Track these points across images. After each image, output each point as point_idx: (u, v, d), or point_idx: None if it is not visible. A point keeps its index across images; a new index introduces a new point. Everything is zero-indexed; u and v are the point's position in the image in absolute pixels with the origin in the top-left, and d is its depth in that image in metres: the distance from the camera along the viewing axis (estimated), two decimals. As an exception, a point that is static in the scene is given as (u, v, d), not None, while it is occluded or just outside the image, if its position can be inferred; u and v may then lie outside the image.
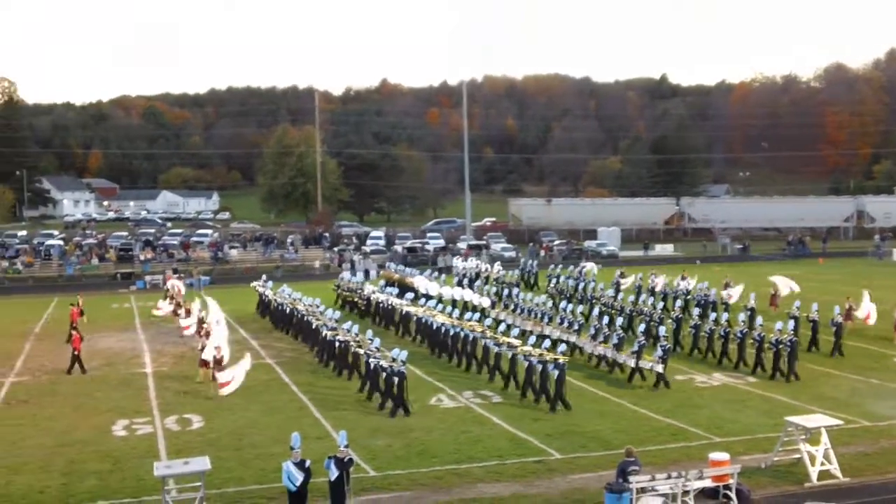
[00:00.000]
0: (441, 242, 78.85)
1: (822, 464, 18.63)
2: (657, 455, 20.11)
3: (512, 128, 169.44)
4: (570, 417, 23.71)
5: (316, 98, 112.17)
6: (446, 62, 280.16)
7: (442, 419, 23.68)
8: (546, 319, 33.62)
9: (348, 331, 29.16)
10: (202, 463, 16.48)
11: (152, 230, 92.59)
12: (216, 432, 22.64)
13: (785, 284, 41.81)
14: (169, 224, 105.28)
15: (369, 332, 28.57)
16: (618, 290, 42.71)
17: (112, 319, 43.18)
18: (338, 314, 33.18)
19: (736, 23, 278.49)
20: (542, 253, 74.75)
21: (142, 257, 68.32)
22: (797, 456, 19.02)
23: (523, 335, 32.48)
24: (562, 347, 26.37)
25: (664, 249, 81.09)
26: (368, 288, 41.89)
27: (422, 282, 43.55)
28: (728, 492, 17.41)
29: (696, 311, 33.90)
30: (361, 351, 27.06)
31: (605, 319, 31.91)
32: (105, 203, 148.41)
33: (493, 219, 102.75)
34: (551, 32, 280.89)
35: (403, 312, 36.41)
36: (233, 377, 25.53)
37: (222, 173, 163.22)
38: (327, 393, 26.79)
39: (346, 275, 46.51)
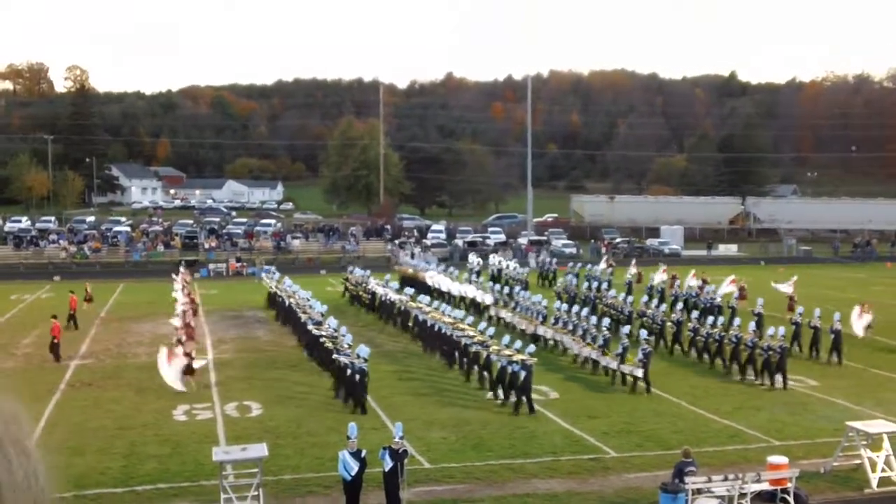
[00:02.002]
0: (502, 237, 78.72)
1: (884, 470, 18.20)
2: (714, 456, 19.84)
3: (576, 124, 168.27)
4: (626, 416, 23.50)
5: (381, 91, 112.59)
6: (512, 56, 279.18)
7: (498, 413, 23.66)
8: (541, 318, 33.29)
9: (330, 327, 28.69)
10: (260, 450, 16.72)
11: (217, 219, 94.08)
12: (275, 420, 22.95)
13: (788, 287, 40.53)
14: (233, 213, 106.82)
15: (343, 329, 27.97)
16: (630, 292, 41.76)
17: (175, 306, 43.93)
18: (324, 308, 32.81)
19: (809, 20, 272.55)
20: (604, 250, 74.11)
21: (206, 245, 69.54)
22: (858, 462, 18.60)
23: (522, 333, 32.88)
24: (531, 348, 25.63)
25: (728, 249, 79.77)
26: (373, 282, 41.82)
27: (434, 277, 43.92)
28: (786, 496, 17.11)
29: (694, 315, 32.89)
30: (332, 347, 26.72)
31: (594, 320, 30.91)
32: (172, 191, 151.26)
33: (555, 215, 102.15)
34: (619, 28, 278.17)
35: (403, 308, 36.13)
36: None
37: (287, 164, 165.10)
38: (384, 384, 26.96)
39: (355, 269, 46.32)
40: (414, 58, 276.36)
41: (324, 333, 28.20)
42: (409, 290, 37.65)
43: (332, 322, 29.25)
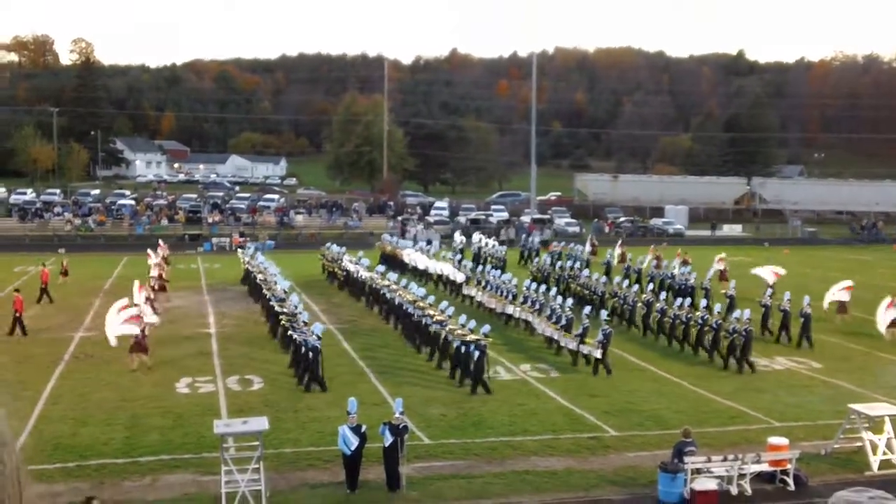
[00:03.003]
0: (505, 215, 78.64)
1: (885, 453, 18.22)
2: (715, 437, 19.87)
3: (581, 102, 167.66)
4: (628, 395, 23.53)
5: (385, 67, 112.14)
6: (517, 33, 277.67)
7: (498, 391, 23.69)
8: (510, 297, 33.06)
9: (293, 304, 28.22)
10: (261, 423, 16.76)
11: (221, 193, 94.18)
12: (276, 394, 23.02)
13: (769, 273, 40.08)
14: (237, 188, 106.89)
15: (300, 307, 27.50)
16: (608, 272, 41.41)
17: (178, 280, 44.06)
18: (288, 284, 32.42)
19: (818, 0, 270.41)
20: (607, 229, 74.02)
21: (210, 220, 69.58)
22: (859, 444, 18.61)
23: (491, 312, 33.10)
24: (485, 328, 25.23)
25: (732, 230, 79.66)
26: (346, 259, 41.67)
27: (411, 254, 44.05)
28: (785, 477, 17.15)
29: (662, 295, 32.73)
30: (287, 324, 26.53)
31: (559, 299, 30.32)
32: (176, 165, 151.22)
33: (559, 193, 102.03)
34: (626, 5, 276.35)
35: (372, 286, 35.74)
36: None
37: (290, 139, 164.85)
38: (385, 360, 27.01)
39: (331, 245, 46.23)
40: (419, 34, 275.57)
41: (284, 310, 27.88)
42: (381, 268, 37.18)
43: (293, 299, 28.82)
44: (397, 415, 17.15)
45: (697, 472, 16.57)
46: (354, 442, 16.46)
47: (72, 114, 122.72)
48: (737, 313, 27.76)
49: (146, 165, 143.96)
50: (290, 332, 25.61)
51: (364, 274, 37.56)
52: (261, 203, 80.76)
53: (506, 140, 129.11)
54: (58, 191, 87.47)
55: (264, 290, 32.93)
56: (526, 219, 75.00)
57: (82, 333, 30.66)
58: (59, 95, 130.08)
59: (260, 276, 35.55)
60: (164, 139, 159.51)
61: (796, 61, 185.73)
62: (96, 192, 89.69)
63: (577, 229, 71.36)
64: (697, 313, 29.02)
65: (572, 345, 26.93)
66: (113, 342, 25.91)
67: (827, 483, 17.21)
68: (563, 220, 76.39)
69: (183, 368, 25.55)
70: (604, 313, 28.60)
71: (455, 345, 24.59)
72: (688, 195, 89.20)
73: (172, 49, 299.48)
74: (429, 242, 56.11)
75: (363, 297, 36.97)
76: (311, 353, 23.44)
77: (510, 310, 32.38)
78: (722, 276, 41.94)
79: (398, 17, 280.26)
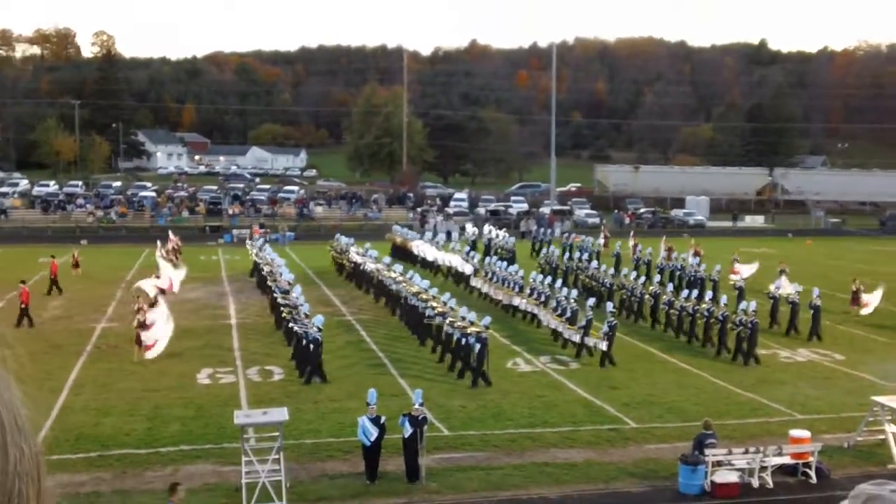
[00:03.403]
0: (525, 206, 78.41)
1: (909, 446, 18.07)
2: (736, 429, 19.76)
3: (601, 92, 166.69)
4: (648, 388, 23.44)
5: (404, 58, 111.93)
6: (537, 23, 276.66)
7: (518, 383, 23.67)
8: (517, 289, 32.92)
9: (295, 296, 28.21)
10: (281, 414, 16.83)
11: (241, 185, 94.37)
12: (296, 385, 23.10)
13: (748, 269, 39.56)
14: (257, 179, 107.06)
15: (301, 298, 27.43)
16: (617, 264, 41.03)
17: (200, 271, 44.25)
18: (292, 277, 32.45)
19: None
20: (627, 220, 73.67)
21: (230, 211, 69.82)
22: (882, 437, 18.46)
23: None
24: (486, 320, 25.09)
25: (754, 221, 79.07)
26: (353, 250, 41.60)
27: (420, 246, 43.91)
28: (807, 469, 17.04)
29: (670, 287, 32.55)
30: (288, 316, 26.52)
31: (564, 291, 30.14)
32: (196, 157, 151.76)
33: (579, 184, 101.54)
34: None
35: (378, 278, 35.61)
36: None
37: (310, 131, 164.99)
38: (405, 352, 27.03)
39: (340, 236, 46.19)
40: (438, 25, 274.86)
41: (287, 302, 27.87)
42: (387, 259, 37.07)
43: (297, 291, 28.78)
44: (417, 406, 17.17)
45: (718, 464, 16.50)
46: (374, 433, 16.49)
47: (93, 106, 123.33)
48: (743, 305, 27.52)
49: (167, 157, 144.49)
50: (290, 325, 25.61)
51: (370, 265, 37.57)
52: (281, 195, 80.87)
53: (525, 131, 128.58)
54: (80, 183, 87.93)
55: (268, 282, 33.01)
56: (546, 210, 74.73)
57: (104, 324, 30.87)
58: (80, 88, 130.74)
59: (266, 269, 35.60)
60: (184, 131, 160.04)
61: (819, 51, 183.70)
62: (118, 184, 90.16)
63: (597, 220, 71.02)
64: (703, 305, 28.80)
65: (576, 337, 26.83)
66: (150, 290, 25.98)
67: (849, 476, 17.08)
68: (583, 212, 76.07)
69: (204, 359, 25.69)
70: (609, 305, 28.44)
71: (455, 337, 24.55)
72: (709, 186, 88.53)
73: (193, 41, 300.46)
74: (448, 234, 56.13)
75: (370, 288, 36.95)
76: (311, 346, 23.42)
77: (516, 301, 32.28)
78: (732, 270, 41.43)
79: (417, 9, 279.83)
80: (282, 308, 28.16)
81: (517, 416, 20.65)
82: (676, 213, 78.48)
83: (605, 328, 25.72)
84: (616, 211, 78.77)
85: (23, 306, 30.02)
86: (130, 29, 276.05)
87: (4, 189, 79.59)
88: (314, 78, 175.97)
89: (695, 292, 30.72)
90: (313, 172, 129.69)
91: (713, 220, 77.80)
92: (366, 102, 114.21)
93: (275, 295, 30.29)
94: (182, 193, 79.08)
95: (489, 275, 35.74)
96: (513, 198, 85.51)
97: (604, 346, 25.59)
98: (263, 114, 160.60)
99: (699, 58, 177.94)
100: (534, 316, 31.04)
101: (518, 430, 19.71)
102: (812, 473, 16.96)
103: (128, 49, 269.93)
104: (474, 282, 36.88)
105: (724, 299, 28.97)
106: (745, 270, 38.83)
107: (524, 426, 19.96)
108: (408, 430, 16.61)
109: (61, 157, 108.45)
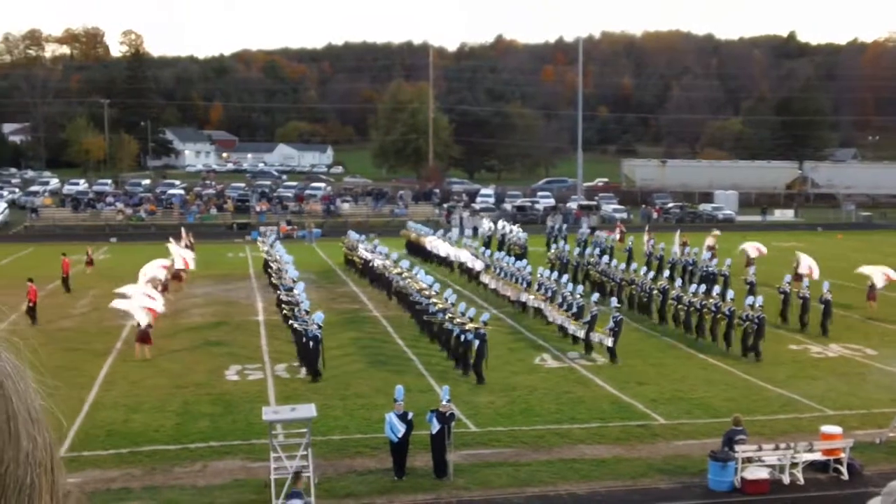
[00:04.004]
0: (551, 202, 78.14)
1: (943, 443, 17.81)
2: (766, 425, 19.59)
3: (628, 86, 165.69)
4: (677, 383, 23.28)
5: (430, 54, 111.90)
6: (563, 18, 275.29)
7: (545, 378, 23.60)
8: (525, 285, 32.69)
9: (299, 293, 28.05)
10: (309, 410, 16.87)
11: (268, 182, 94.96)
12: (323, 381, 23.17)
13: (753, 248, 38.93)
14: (284, 177, 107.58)
15: (303, 296, 27.20)
16: (629, 259, 40.64)
17: (228, 268, 44.55)
18: (297, 274, 32.35)
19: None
20: (655, 215, 73.23)
21: (258, 208, 70.19)
22: (916, 433, 18.22)
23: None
24: (485, 316, 24.90)
25: (784, 215, 78.30)
26: (361, 247, 41.56)
27: (433, 242, 43.85)
28: (839, 466, 16.85)
29: (678, 283, 32.19)
30: (289, 313, 26.47)
31: (570, 287, 29.94)
32: (224, 155, 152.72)
33: (606, 179, 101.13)
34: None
35: (385, 274, 35.53)
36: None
37: (336, 128, 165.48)
38: (432, 348, 27.02)
39: (350, 232, 46.16)
40: (464, 20, 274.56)
41: (289, 299, 27.81)
42: (394, 255, 36.92)
43: (299, 287, 28.68)
44: (444, 402, 17.15)
45: (748, 460, 16.36)
46: (401, 429, 16.50)
47: (122, 105, 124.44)
48: (749, 300, 27.22)
49: (195, 155, 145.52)
50: (290, 322, 25.62)
51: (378, 262, 37.56)
52: (307, 191, 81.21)
53: (552, 126, 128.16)
54: (109, 181, 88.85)
55: (273, 279, 32.91)
56: (572, 205, 74.47)
57: (134, 322, 31.06)
58: (110, 87, 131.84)
59: (275, 265, 35.64)
60: (212, 129, 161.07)
61: (849, 43, 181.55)
62: (147, 181, 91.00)
63: (624, 215, 70.62)
64: (710, 300, 28.41)
65: (581, 332, 26.64)
66: (142, 317, 26.04)
67: (882, 472, 16.86)
68: (610, 207, 75.66)
69: (232, 356, 25.84)
70: (613, 301, 28.18)
71: (455, 333, 24.45)
72: (738, 180, 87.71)
73: (220, 40, 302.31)
74: (475, 230, 56.01)
75: (379, 285, 36.94)
76: (311, 343, 23.40)
77: (524, 298, 32.15)
78: (748, 262, 40.82)
79: (443, 4, 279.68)
80: (283, 305, 28.15)
81: (545, 413, 20.59)
82: (704, 207, 77.89)
83: (611, 324, 25.52)
84: (643, 206, 78.29)
85: (30, 304, 30.07)
86: (158, 28, 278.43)
87: (35, 188, 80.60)
88: (340, 75, 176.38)
89: (703, 287, 30.41)
90: (340, 169, 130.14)
91: (742, 214, 77.09)
92: (392, 99, 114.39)
93: (278, 292, 30.35)
94: (210, 191, 79.65)
95: (498, 271, 35.71)
96: (539, 193, 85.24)
97: (609, 341, 25.41)
98: (290, 111, 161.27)
99: (727, 51, 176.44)
100: (540, 311, 30.97)
101: (546, 426, 19.65)
102: (844, 470, 16.77)
103: (156, 48, 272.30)
104: (484, 278, 36.87)
105: (730, 294, 28.64)
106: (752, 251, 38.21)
107: (552, 422, 19.89)
108: (435, 427, 16.60)
109: (91, 155, 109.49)
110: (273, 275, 34.03)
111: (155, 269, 32.97)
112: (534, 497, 16.00)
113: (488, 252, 40.54)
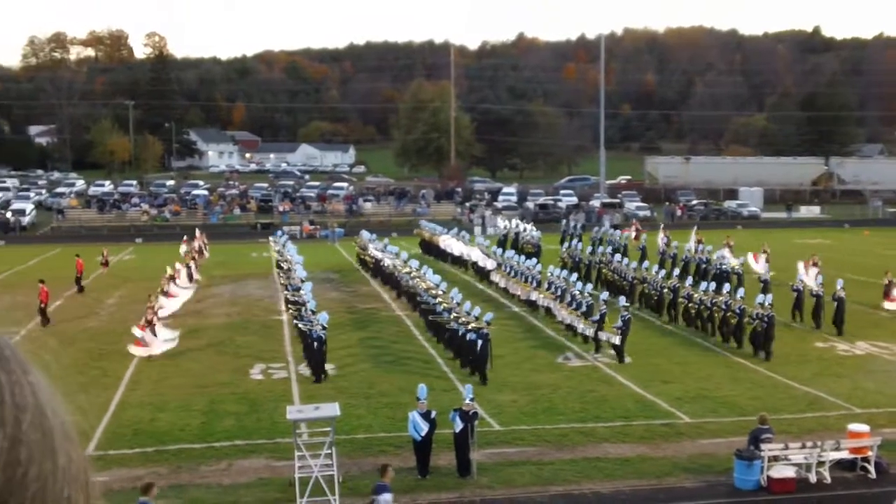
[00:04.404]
0: (574, 200, 77.87)
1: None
2: (792, 424, 19.43)
3: (651, 83, 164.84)
4: (701, 382, 23.14)
5: (451, 53, 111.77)
6: (584, 15, 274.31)
7: (569, 377, 23.54)
8: (535, 284, 32.53)
9: (305, 292, 27.97)
10: (332, 409, 16.91)
11: (291, 182, 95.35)
12: (347, 380, 23.24)
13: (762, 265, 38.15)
14: (307, 177, 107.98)
15: (309, 296, 27.17)
16: (643, 258, 40.20)
17: (251, 268, 44.77)
18: (304, 274, 32.31)
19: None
20: (679, 213, 72.81)
21: (280, 208, 70.50)
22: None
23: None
24: (488, 316, 24.67)
25: (809, 211, 77.56)
26: (371, 246, 41.51)
27: (447, 241, 43.84)
28: (866, 464, 16.68)
29: (688, 281, 31.90)
30: (294, 313, 26.40)
31: (579, 285, 29.64)
32: (247, 155, 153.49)
33: (629, 177, 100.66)
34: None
35: (395, 273, 35.56)
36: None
37: (358, 127, 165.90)
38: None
39: (362, 232, 46.16)
40: (485, 18, 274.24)
41: (296, 299, 27.81)
42: (404, 255, 36.77)
43: (306, 288, 28.65)
44: (467, 401, 17.15)
45: (775, 459, 16.24)
46: (424, 428, 16.51)
47: (147, 106, 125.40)
48: (759, 298, 26.93)
49: (219, 156, 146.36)
50: (295, 322, 25.55)
51: (388, 261, 37.56)
52: (330, 191, 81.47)
53: (574, 124, 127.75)
54: (134, 182, 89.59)
55: (280, 280, 33.09)
56: (595, 203, 74.19)
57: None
58: (134, 89, 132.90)
59: (285, 265, 35.73)
60: (235, 130, 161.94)
61: (875, 37, 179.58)
62: (171, 182, 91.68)
63: (647, 213, 70.24)
64: (720, 298, 28.17)
65: (589, 331, 26.52)
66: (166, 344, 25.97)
67: (911, 471, 16.70)
68: (633, 204, 75.25)
69: (256, 355, 25.96)
70: (622, 299, 28.02)
71: (460, 332, 24.41)
72: (763, 177, 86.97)
73: (243, 41, 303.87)
74: (486, 229, 55.94)
75: (388, 284, 36.97)
76: (315, 343, 23.39)
77: (534, 297, 32.04)
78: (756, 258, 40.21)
79: (464, 3, 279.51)
80: (289, 305, 28.19)
81: (568, 411, 20.53)
82: (729, 204, 77.33)
83: (619, 322, 25.33)
84: (667, 203, 77.84)
85: (41, 306, 30.12)
86: (182, 30, 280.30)
87: (61, 189, 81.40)
88: (362, 75, 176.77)
89: (713, 285, 30.17)
90: (362, 169, 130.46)
91: (767, 211, 76.46)
92: (413, 98, 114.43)
93: (285, 293, 30.38)
94: (233, 191, 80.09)
95: (508, 269, 35.63)
96: (562, 191, 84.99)
97: (616, 340, 25.23)
98: (312, 111, 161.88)
99: (751, 46, 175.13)
100: (548, 310, 30.90)
101: (569, 424, 19.59)
102: (871, 468, 16.61)
103: (179, 50, 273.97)
104: (494, 277, 36.81)
105: (741, 292, 28.38)
106: (760, 265, 37.40)
107: (575, 421, 19.84)
108: (458, 425, 16.60)
109: (116, 157, 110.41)
110: (282, 275, 34.18)
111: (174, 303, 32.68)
112: (557, 496, 15.97)
113: (499, 251, 40.48)
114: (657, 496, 15.98)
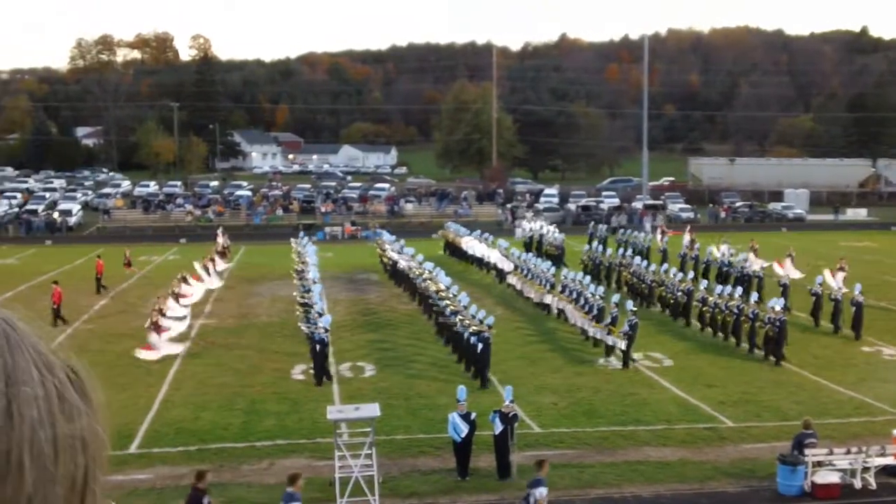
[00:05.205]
0: (616, 201, 77.35)
1: None
2: (837, 429, 19.14)
3: (695, 84, 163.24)
4: (745, 385, 22.88)
5: (494, 54, 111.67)
6: (628, 15, 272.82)
7: (609, 380, 23.41)
8: (548, 287, 32.29)
9: (314, 294, 28.18)
10: (372, 409, 16.99)
11: (333, 183, 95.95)
12: (387, 381, 23.33)
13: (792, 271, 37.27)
14: (349, 178, 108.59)
15: (318, 298, 27.34)
16: (664, 260, 39.67)
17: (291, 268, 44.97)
18: (317, 276, 32.37)
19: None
20: (723, 215, 72.00)
21: (323, 209, 70.93)
22: None
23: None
24: (490, 320, 24.41)
25: (856, 214, 76.24)
26: (388, 248, 41.43)
27: (469, 242, 43.67)
28: (914, 472, 16.39)
29: (703, 284, 31.58)
30: (301, 315, 26.46)
31: (592, 288, 29.34)
32: (290, 156, 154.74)
33: (672, 178, 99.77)
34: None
35: (410, 275, 35.36)
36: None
37: (400, 128, 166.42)
38: (495, 349, 26.96)
39: (382, 233, 46.05)
40: (527, 19, 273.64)
41: (304, 301, 27.84)
42: (420, 257, 36.54)
43: (316, 290, 28.73)
44: (507, 403, 17.14)
45: (819, 464, 16.01)
46: (464, 429, 16.53)
47: (191, 108, 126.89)
48: (771, 302, 26.60)
49: (262, 157, 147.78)
50: (299, 324, 25.69)
51: (403, 263, 37.53)
52: (372, 192, 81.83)
53: (616, 125, 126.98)
54: (179, 183, 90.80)
55: (295, 280, 33.38)
56: (638, 205, 73.63)
57: (202, 321, 31.70)
58: (179, 90, 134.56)
59: (300, 267, 35.73)
60: (278, 131, 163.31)
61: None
62: (215, 183, 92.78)
63: (691, 215, 69.56)
64: (733, 302, 27.78)
65: (600, 334, 26.31)
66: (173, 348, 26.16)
67: (960, 480, 16.36)
68: (676, 206, 74.56)
69: (298, 356, 26.14)
70: (630, 304, 27.71)
71: (465, 335, 24.32)
72: (809, 178, 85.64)
73: (286, 43, 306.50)
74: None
75: (402, 285, 36.96)
76: (318, 345, 23.39)
77: (548, 299, 31.88)
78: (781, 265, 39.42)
79: (507, 4, 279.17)
80: (297, 306, 28.38)
81: (609, 414, 20.43)
82: (774, 206, 76.30)
83: (626, 327, 25.01)
84: (711, 205, 77.02)
85: (54, 306, 30.22)
86: (226, 32, 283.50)
87: (107, 190, 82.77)
88: (404, 76, 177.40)
89: (727, 289, 29.78)
90: (404, 170, 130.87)
91: (813, 213, 75.32)
92: (455, 99, 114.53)
93: (295, 294, 30.60)
94: (276, 192, 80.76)
95: (524, 272, 35.50)
96: (604, 193, 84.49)
97: (623, 344, 24.91)
98: (354, 112, 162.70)
99: (797, 46, 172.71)
100: (561, 312, 30.71)
101: (610, 427, 19.49)
102: (919, 476, 16.31)
103: (224, 52, 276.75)
104: (510, 279, 36.68)
105: (755, 296, 27.94)
106: (791, 271, 36.73)
107: (616, 424, 19.73)
108: (498, 427, 16.59)
109: (161, 158, 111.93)
110: (295, 276, 34.41)
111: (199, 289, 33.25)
112: (598, 499, 15.89)
113: (517, 253, 40.40)
114: (699, 501, 15.84)
